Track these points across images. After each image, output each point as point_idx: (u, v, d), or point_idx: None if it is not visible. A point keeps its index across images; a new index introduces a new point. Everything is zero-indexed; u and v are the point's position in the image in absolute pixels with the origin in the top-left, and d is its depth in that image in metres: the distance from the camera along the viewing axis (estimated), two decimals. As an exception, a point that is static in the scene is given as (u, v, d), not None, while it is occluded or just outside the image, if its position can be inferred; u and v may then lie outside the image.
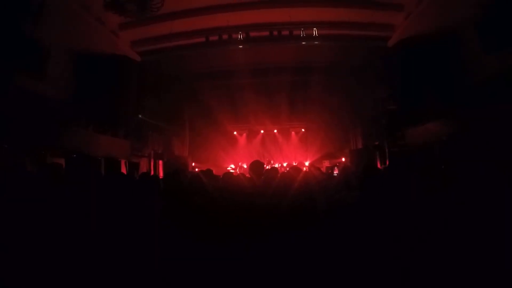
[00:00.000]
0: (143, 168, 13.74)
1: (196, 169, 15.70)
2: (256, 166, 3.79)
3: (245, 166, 17.12)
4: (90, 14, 9.82)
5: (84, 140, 10.01)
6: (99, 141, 10.71)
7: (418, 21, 10.41)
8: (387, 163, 12.55)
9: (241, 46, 12.14)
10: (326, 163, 17.12)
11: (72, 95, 11.29)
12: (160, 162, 15.32)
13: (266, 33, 11.72)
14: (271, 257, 2.65)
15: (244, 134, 20.00)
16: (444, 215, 2.73)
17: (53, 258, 2.39)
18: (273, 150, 18.93)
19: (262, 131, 19.74)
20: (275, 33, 11.63)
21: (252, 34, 11.78)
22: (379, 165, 12.91)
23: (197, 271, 2.62)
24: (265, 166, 4.41)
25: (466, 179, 3.24)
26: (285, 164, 17.20)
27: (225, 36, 11.82)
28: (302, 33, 11.59)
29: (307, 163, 16.09)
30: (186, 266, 2.64)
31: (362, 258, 2.69)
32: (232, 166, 17.77)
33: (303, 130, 19.57)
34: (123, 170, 11.91)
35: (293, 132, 19.85)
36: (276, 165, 16.74)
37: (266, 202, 2.99)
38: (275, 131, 19.68)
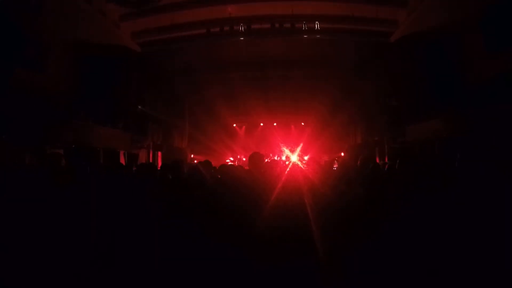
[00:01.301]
0: (142, 159, 13.75)
1: (195, 161, 15.71)
2: (256, 158, 3.76)
3: (244, 158, 17.13)
4: (91, 5, 9.74)
5: (84, 131, 9.99)
6: (99, 133, 10.69)
7: (422, 18, 10.33)
8: (386, 159, 12.56)
9: (242, 38, 12.07)
10: (325, 157, 17.12)
11: (72, 87, 11.25)
12: (159, 153, 15.32)
13: (267, 25, 11.64)
14: (271, 253, 2.64)
15: (244, 127, 19.98)
16: (443, 214, 2.73)
17: (53, 256, 2.38)
18: (272, 143, 18.92)
19: (261, 124, 19.71)
20: (277, 25, 11.55)
21: (254, 26, 11.71)
22: (378, 161, 12.92)
23: (197, 268, 2.62)
24: (264, 159, 4.39)
25: (466, 179, 3.24)
26: (284, 158, 17.20)
27: (226, 28, 11.74)
28: (304, 26, 11.52)
29: (306, 157, 16.09)
30: (186, 263, 2.64)
31: (362, 253, 2.70)
32: (231, 158, 17.77)
33: (302, 124, 19.55)
34: (122, 161, 11.91)
35: (292, 126, 19.84)
36: (275, 158, 16.74)
37: (265, 195, 2.98)
38: (275, 124, 19.66)
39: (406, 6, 10.55)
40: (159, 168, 5.01)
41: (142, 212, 2.83)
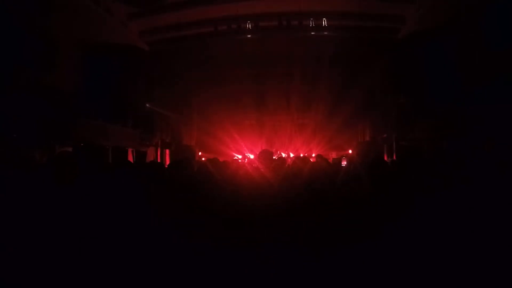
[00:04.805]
0: (150, 157, 13.82)
1: (203, 158, 15.76)
2: (265, 155, 3.77)
3: (251, 156, 17.12)
4: (99, 5, 9.80)
5: (93, 129, 10.08)
6: (107, 131, 10.78)
7: (430, 14, 10.23)
8: (394, 156, 12.50)
9: (249, 36, 12.07)
10: (333, 155, 17.09)
11: (81, 86, 11.34)
12: (167, 151, 15.39)
13: (275, 23, 11.62)
14: (278, 250, 2.65)
15: (252, 124, 19.92)
16: (444, 214, 2.71)
17: (54, 256, 2.39)
18: (280, 140, 18.88)
19: (269, 122, 19.66)
20: (284, 23, 11.52)
21: (261, 24, 11.69)
22: (386, 158, 12.87)
23: (200, 267, 2.62)
24: (273, 156, 4.39)
25: (466, 179, 3.23)
26: (292, 155, 17.17)
27: (234, 26, 11.75)
28: (311, 23, 11.49)
29: (313, 154, 16.07)
30: (189, 262, 2.64)
31: (368, 252, 2.69)
32: (239, 156, 17.77)
33: (311, 120, 19.45)
34: (130, 158, 11.99)
35: (301, 123, 19.74)
36: (283, 155, 16.71)
37: (274, 192, 2.99)
38: (283, 121, 19.59)
39: (414, 2, 10.45)
40: (166, 166, 5.01)
41: (149, 211, 2.84)
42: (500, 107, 7.55)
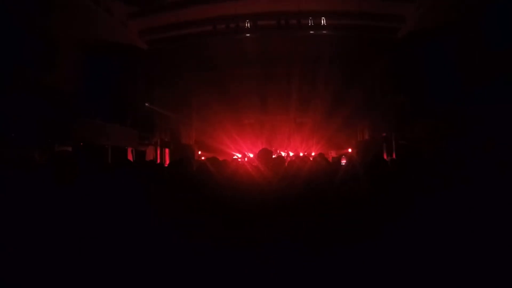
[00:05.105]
0: (149, 156, 13.82)
1: (202, 158, 15.76)
2: (264, 154, 3.75)
3: (251, 155, 17.11)
4: (99, 5, 9.80)
5: (92, 129, 10.08)
6: (107, 130, 10.78)
7: (430, 14, 10.22)
8: (394, 155, 12.51)
9: (248, 35, 12.05)
10: (333, 154, 17.11)
11: (80, 86, 11.34)
12: (167, 150, 15.38)
13: (273, 22, 11.60)
14: (278, 250, 2.64)
15: (251, 124, 19.90)
16: (444, 215, 2.71)
17: (54, 256, 2.39)
18: (279, 139, 18.87)
19: (269, 121, 19.64)
20: (283, 22, 11.51)
21: (260, 23, 11.68)
22: (385, 157, 12.87)
23: (200, 267, 2.62)
24: (272, 155, 4.37)
25: (466, 179, 3.22)
26: (291, 154, 17.16)
27: (232, 25, 11.73)
28: (310, 23, 11.47)
29: (313, 153, 16.07)
30: (187, 261, 2.64)
31: (368, 251, 2.69)
32: (238, 155, 17.76)
33: (310, 120, 19.44)
34: (130, 158, 11.99)
35: (299, 122, 19.72)
36: (283, 154, 16.71)
37: (273, 191, 2.98)
38: (282, 120, 19.57)
39: (414, 2, 10.44)
40: (166, 165, 5.00)
41: (149, 211, 2.84)
42: (500, 107, 7.57)
